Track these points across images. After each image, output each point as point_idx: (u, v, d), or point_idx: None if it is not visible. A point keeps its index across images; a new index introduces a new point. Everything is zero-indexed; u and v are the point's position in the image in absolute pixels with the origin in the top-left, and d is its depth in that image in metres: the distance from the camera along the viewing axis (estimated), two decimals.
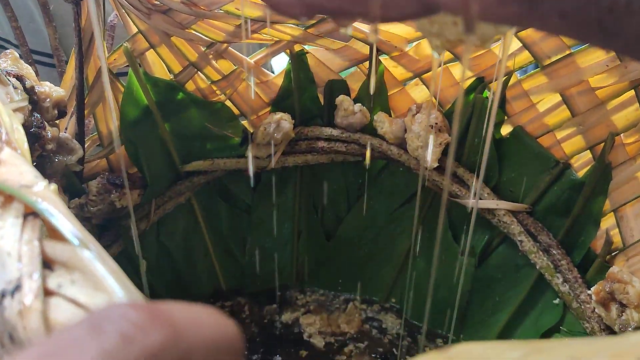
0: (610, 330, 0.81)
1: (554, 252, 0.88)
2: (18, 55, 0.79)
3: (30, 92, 0.75)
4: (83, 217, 0.91)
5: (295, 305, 1.13)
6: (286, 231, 1.13)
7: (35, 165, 0.77)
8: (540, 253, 0.89)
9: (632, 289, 0.79)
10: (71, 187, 0.91)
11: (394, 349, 1.05)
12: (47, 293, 0.31)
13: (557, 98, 0.86)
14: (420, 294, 1.09)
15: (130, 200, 0.90)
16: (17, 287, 0.31)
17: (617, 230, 0.85)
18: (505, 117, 0.92)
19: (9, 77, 0.67)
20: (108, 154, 0.95)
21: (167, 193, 1.01)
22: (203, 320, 0.25)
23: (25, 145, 0.46)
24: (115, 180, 0.93)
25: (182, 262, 1.08)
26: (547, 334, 0.92)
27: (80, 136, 0.90)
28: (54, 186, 0.36)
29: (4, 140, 0.45)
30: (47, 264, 0.33)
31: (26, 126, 0.74)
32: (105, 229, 0.97)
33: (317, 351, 1.03)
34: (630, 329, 0.78)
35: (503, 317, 1.00)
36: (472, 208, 0.93)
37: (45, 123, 0.78)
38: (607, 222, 0.86)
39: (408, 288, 1.11)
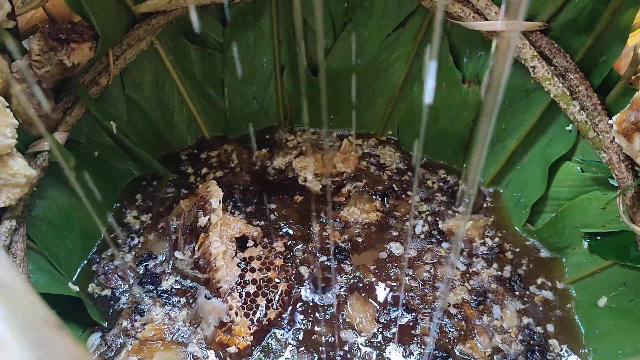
0: (630, 161, 0.74)
1: (570, 76, 0.77)
2: None
3: None
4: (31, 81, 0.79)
5: (286, 148, 1.06)
6: (266, 67, 1.01)
7: None
8: (556, 79, 0.78)
9: None
10: (9, 47, 0.77)
11: (393, 185, 1.00)
12: None
13: None
14: (419, 125, 1.01)
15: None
16: None
17: None
18: None
19: None
20: (43, 2, 0.79)
21: (125, 40, 0.87)
22: None
23: None
24: (59, 35, 0.79)
25: (156, 115, 0.98)
26: (558, 163, 0.86)
27: None
28: None
29: None
30: None
31: None
32: (62, 89, 0.85)
33: (313, 195, 0.98)
34: None
35: (510, 145, 0.93)
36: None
37: None
38: (636, 37, 0.74)
39: (406, 119, 1.02)
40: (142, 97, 0.95)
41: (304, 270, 0.88)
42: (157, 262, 0.89)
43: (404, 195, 0.98)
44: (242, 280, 0.84)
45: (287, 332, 0.81)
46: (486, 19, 0.80)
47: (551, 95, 0.79)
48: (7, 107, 0.74)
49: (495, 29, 0.80)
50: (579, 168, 0.84)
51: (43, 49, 0.78)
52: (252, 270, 0.86)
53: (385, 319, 0.82)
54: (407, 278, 0.86)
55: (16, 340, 0.20)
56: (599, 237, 0.83)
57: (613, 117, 0.73)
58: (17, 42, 0.78)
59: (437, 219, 0.94)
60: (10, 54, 0.77)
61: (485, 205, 0.97)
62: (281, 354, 0.78)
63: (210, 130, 1.07)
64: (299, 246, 0.91)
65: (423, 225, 0.94)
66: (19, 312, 0.22)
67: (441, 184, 1.00)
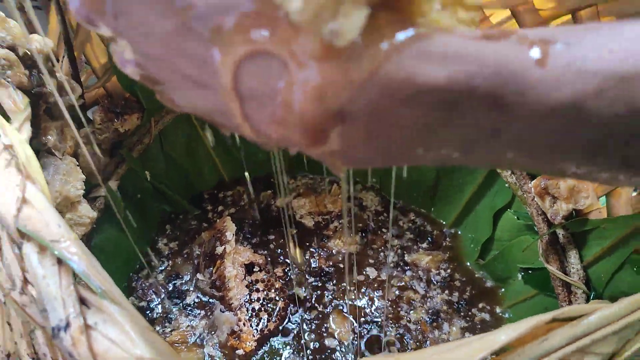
0: (544, 215, 0.97)
1: None
2: (3, 15, 0.86)
3: (24, 58, 0.84)
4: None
5: (287, 190, 1.30)
6: None
7: (44, 112, 0.89)
8: None
9: (563, 183, 0.93)
10: (77, 118, 1.03)
11: (371, 223, 1.24)
12: (88, 327, 0.47)
13: None
14: (396, 175, 1.24)
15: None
16: (67, 325, 0.47)
17: None
18: None
19: (7, 79, 0.76)
20: (103, 83, 1.05)
21: (163, 110, 1.12)
22: None
23: (40, 173, 0.59)
24: (115, 109, 1.05)
25: (187, 166, 1.23)
26: (499, 213, 1.09)
27: (75, 76, 0.99)
28: (77, 241, 0.50)
29: (24, 174, 0.57)
30: (85, 302, 0.48)
31: (28, 89, 0.85)
32: (115, 148, 1.10)
33: (307, 229, 1.22)
34: (559, 217, 0.94)
35: (465, 196, 1.16)
36: None
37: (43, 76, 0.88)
38: None
39: (386, 170, 1.26)
40: (177, 154, 1.20)
41: (297, 290, 1.12)
42: (183, 281, 1.14)
43: (379, 232, 1.22)
44: (249, 298, 1.08)
45: (283, 339, 1.04)
46: None
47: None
48: (77, 165, 0.99)
49: None
50: (515, 217, 1.08)
51: (103, 119, 1.03)
52: (257, 290, 1.10)
53: (359, 331, 1.06)
54: (377, 298, 1.10)
55: (139, 338, 0.44)
56: (530, 272, 1.06)
57: (531, 182, 0.97)
58: (84, 114, 1.04)
59: (405, 252, 1.18)
60: (78, 123, 1.03)
61: (444, 243, 1.20)
62: (279, 355, 1.02)
63: (229, 175, 1.32)
64: (294, 271, 1.15)
65: (394, 257, 1.17)
66: (133, 320, 0.45)
67: (410, 224, 1.23)
